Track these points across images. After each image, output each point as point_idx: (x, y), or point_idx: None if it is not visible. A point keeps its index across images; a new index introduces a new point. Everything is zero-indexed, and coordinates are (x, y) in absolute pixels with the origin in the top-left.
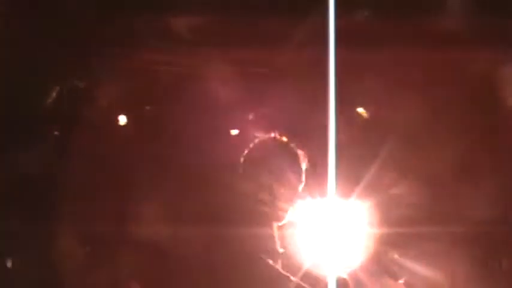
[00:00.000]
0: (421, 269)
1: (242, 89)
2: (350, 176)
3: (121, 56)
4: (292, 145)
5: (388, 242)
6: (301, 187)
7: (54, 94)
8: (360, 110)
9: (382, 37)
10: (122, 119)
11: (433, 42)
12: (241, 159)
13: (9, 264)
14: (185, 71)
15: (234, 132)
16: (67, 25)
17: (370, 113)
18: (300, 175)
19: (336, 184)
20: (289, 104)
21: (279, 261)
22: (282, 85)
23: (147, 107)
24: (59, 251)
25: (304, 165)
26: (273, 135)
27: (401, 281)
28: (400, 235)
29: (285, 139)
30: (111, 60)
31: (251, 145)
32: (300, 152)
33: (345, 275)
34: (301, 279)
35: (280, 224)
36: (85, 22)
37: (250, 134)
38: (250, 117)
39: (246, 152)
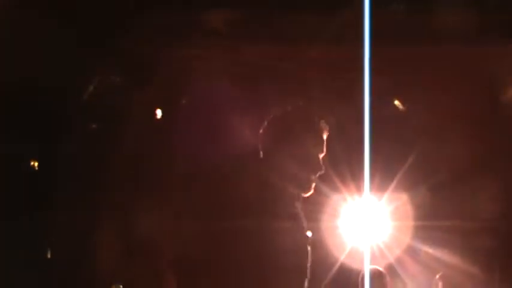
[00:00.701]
0: (456, 262)
1: (278, 82)
2: (382, 169)
3: (157, 51)
4: (312, 114)
5: (421, 235)
6: (321, 156)
7: (91, 88)
8: (396, 102)
9: (414, 32)
10: (159, 113)
11: (465, 38)
12: (261, 131)
13: (49, 254)
14: (220, 65)
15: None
16: (103, 20)
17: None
18: (321, 145)
19: (370, 178)
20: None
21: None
22: (316, 78)
23: (183, 101)
24: (98, 241)
25: (325, 135)
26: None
27: (437, 276)
28: (432, 228)
29: (302, 107)
30: (147, 55)
31: (267, 120)
32: (322, 122)
33: (380, 267)
34: (337, 270)
35: (305, 195)
36: (122, 17)
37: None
38: (289, 109)
39: (264, 126)
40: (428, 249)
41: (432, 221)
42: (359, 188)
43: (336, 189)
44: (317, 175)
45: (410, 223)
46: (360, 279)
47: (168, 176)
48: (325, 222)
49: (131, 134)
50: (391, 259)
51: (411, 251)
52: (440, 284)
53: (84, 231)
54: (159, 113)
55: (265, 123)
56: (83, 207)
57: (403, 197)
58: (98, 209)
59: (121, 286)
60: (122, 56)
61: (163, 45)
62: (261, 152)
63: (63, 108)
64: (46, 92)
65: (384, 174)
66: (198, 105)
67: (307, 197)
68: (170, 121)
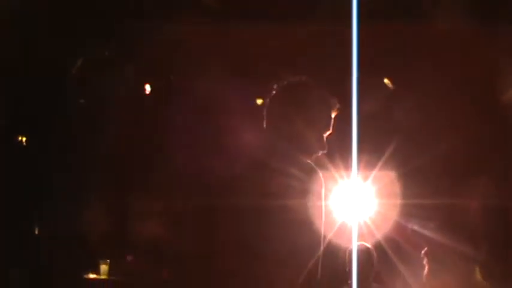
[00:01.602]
0: (442, 239)
1: (270, 58)
2: (372, 147)
3: (148, 27)
4: (322, 91)
5: (409, 213)
6: (326, 135)
7: (79, 63)
8: (385, 80)
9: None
10: (147, 88)
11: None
12: (266, 101)
13: (36, 231)
14: (211, 41)
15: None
16: None
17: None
18: (328, 122)
19: (358, 155)
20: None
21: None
22: (307, 56)
23: (172, 77)
24: (86, 221)
25: (333, 114)
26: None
27: (423, 251)
28: (421, 207)
29: (312, 83)
30: (138, 30)
31: (274, 89)
32: (333, 100)
33: (368, 244)
34: (325, 247)
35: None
36: None
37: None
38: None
39: (270, 96)
40: (414, 227)
41: (419, 199)
42: (347, 167)
43: (324, 167)
44: (320, 154)
45: (397, 201)
46: (347, 255)
47: (157, 154)
48: (314, 200)
49: (121, 108)
50: (378, 236)
51: (398, 228)
52: (425, 259)
53: (73, 210)
54: (147, 88)
55: (267, 99)
56: (72, 187)
57: (390, 176)
58: (88, 188)
59: (108, 261)
60: (113, 31)
61: (156, 20)
62: (264, 124)
63: (54, 83)
64: (36, 68)
65: (372, 154)
66: (188, 83)
67: (297, 176)
68: (159, 98)
